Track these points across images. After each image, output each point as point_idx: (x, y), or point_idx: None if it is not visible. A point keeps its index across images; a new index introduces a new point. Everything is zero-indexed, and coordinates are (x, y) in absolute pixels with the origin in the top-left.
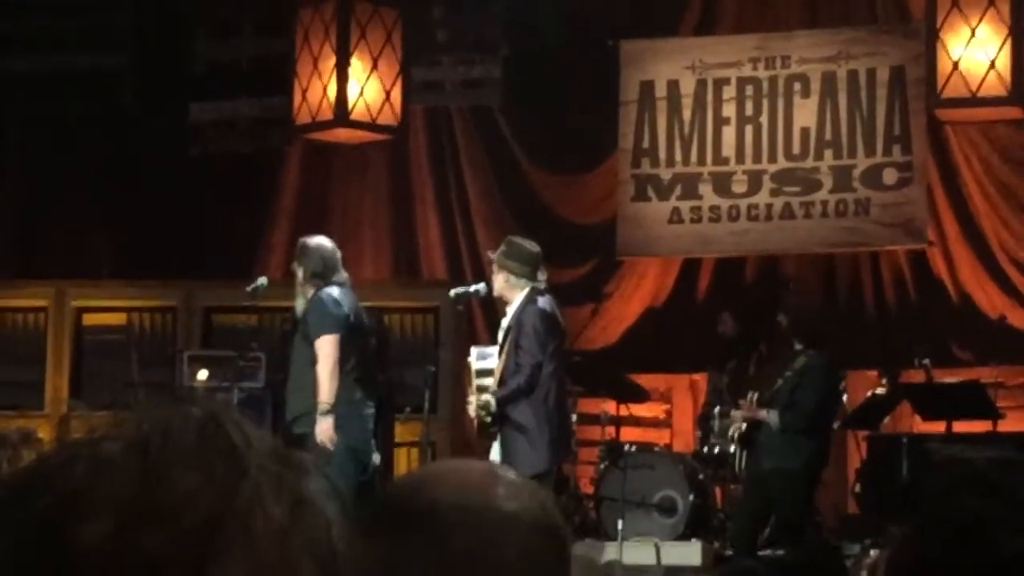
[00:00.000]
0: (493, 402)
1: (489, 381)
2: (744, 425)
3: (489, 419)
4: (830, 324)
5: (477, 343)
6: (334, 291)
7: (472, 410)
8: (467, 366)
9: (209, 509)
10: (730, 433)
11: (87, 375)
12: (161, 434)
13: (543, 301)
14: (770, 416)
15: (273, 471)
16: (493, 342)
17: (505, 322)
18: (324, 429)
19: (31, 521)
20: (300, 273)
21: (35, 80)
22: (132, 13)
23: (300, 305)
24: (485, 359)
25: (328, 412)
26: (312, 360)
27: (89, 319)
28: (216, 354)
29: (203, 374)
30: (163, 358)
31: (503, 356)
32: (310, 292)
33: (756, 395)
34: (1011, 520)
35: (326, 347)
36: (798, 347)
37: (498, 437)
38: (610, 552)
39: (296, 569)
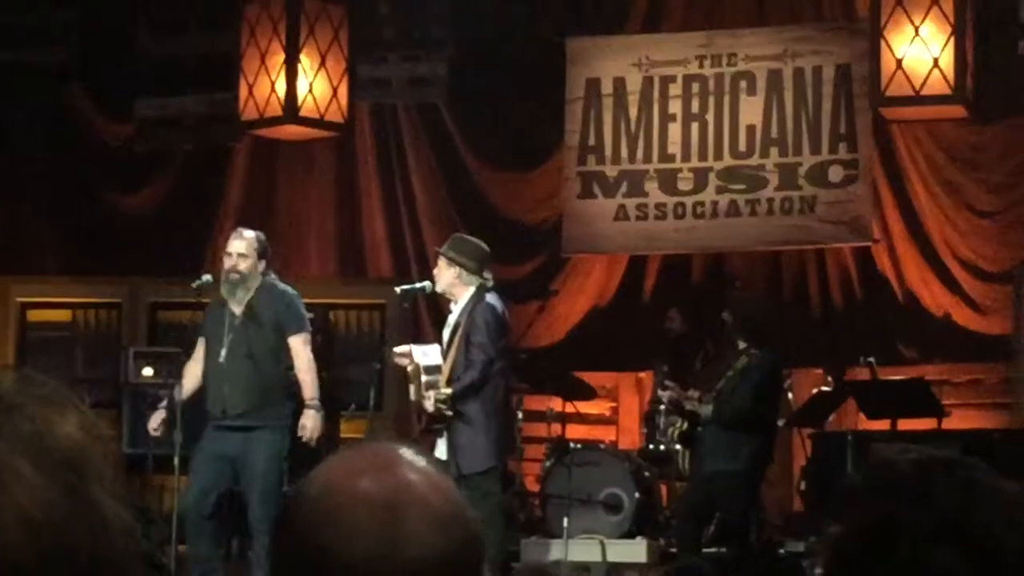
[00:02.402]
0: (449, 396)
1: (435, 377)
2: (685, 424)
3: (451, 413)
4: (774, 323)
5: (423, 340)
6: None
7: (430, 405)
8: (409, 361)
9: None
10: (670, 432)
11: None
12: None
13: (493, 298)
14: (703, 408)
15: None
16: (439, 339)
17: (452, 318)
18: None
19: None
20: (262, 265)
21: None
22: (76, 9)
23: (244, 297)
24: (426, 356)
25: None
26: (275, 351)
27: (33, 315)
28: (161, 351)
29: (148, 371)
30: (108, 355)
31: (452, 352)
32: (257, 283)
33: (698, 393)
34: (918, 525)
35: (308, 346)
36: (742, 346)
37: (443, 433)
38: (556, 550)
39: (13, 471)
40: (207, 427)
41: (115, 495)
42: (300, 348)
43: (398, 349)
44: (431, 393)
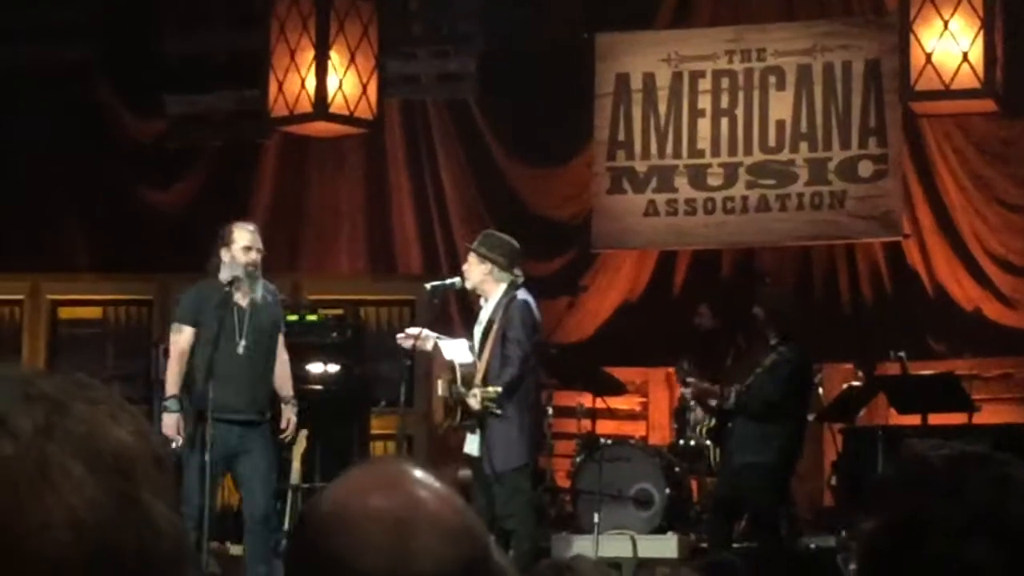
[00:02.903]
0: (498, 395)
1: (470, 372)
2: (713, 420)
3: (499, 411)
4: (805, 318)
5: (453, 336)
6: None
7: (476, 403)
8: (436, 355)
9: None
10: (699, 428)
11: (62, 368)
12: None
13: (525, 294)
14: (727, 401)
15: (17, 396)
16: (469, 335)
17: (484, 315)
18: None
19: None
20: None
21: (7, 75)
22: (103, 5)
23: (256, 291)
24: (457, 352)
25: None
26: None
27: (64, 312)
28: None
29: None
30: (139, 351)
31: (488, 348)
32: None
33: (718, 387)
34: (950, 520)
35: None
36: (773, 341)
37: (475, 429)
38: (586, 545)
39: (64, 472)
40: (201, 422)
41: (165, 499)
42: (284, 347)
43: (411, 330)
44: (477, 391)
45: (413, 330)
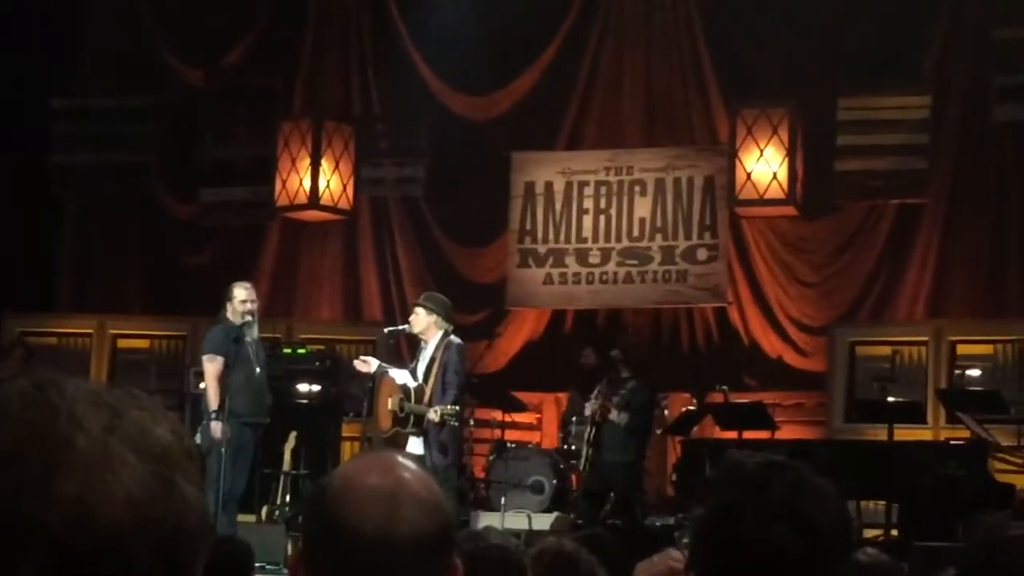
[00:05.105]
0: (457, 411)
1: (420, 387)
2: (594, 429)
3: (456, 423)
4: (655, 359)
5: (404, 366)
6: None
7: (436, 416)
8: (388, 384)
9: (35, 441)
10: (585, 435)
11: (120, 384)
12: None
13: (457, 339)
14: (620, 416)
15: (89, 403)
16: (412, 367)
17: (426, 354)
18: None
19: None
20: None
21: (91, 173)
22: (158, 123)
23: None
24: (402, 378)
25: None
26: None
27: (122, 343)
28: None
29: (204, 385)
30: (175, 372)
31: (432, 378)
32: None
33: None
34: (759, 509)
35: None
36: (625, 375)
37: (420, 435)
38: (495, 520)
39: (122, 460)
40: (232, 424)
41: (193, 482)
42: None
43: (365, 358)
44: (438, 408)
45: (366, 357)
